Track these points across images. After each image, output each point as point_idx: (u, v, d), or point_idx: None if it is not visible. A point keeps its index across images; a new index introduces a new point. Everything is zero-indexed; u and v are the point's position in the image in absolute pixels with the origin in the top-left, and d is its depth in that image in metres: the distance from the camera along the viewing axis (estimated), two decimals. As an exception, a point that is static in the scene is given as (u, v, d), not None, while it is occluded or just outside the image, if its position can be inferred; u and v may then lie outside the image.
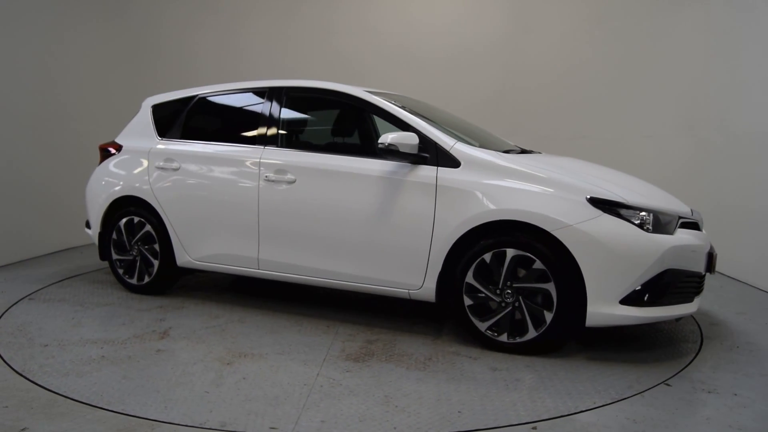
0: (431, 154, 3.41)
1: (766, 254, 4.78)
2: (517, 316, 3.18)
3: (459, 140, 3.47)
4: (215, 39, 7.16)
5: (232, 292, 4.52)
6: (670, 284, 3.08)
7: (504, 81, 6.65)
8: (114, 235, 4.37)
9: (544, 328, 3.12)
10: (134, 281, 4.34)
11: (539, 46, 6.54)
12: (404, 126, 3.52)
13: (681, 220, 3.27)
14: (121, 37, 6.84)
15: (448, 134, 3.51)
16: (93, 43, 6.40)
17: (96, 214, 4.46)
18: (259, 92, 4.06)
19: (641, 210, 3.09)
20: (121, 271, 4.39)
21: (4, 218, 5.20)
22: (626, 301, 3.01)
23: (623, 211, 3.07)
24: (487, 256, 3.20)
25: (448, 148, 3.39)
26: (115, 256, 4.40)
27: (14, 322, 3.69)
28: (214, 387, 2.75)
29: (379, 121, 3.97)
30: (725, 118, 5.35)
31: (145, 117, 4.49)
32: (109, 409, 2.51)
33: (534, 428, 2.40)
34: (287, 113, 3.95)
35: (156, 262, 4.24)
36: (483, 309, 3.27)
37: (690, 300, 3.24)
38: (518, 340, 3.19)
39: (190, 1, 7.19)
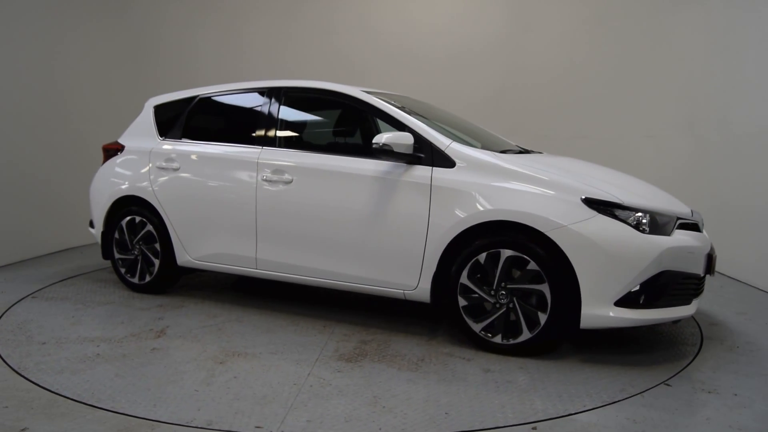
0: (426, 154, 3.39)
1: (767, 254, 4.74)
2: (512, 317, 3.16)
3: (459, 141, 3.46)
4: (216, 38, 7.18)
5: (233, 291, 4.54)
6: (666, 286, 3.03)
7: (504, 81, 6.63)
8: (116, 235, 4.41)
9: (538, 330, 3.10)
10: (136, 280, 4.38)
11: (539, 46, 6.52)
12: (400, 126, 3.51)
13: (679, 221, 3.22)
14: (122, 36, 6.88)
15: (443, 134, 3.50)
16: (94, 43, 6.45)
17: (99, 214, 4.51)
18: (259, 93, 4.08)
19: (637, 211, 3.05)
20: (123, 270, 4.43)
21: (5, 218, 5.24)
22: (621, 303, 2.97)
23: (619, 212, 3.03)
24: (482, 257, 3.18)
25: (443, 148, 3.38)
26: (117, 256, 4.44)
27: (15, 320, 3.74)
28: (204, 386, 2.77)
29: (381, 122, 3.97)
30: (725, 118, 5.31)
31: (147, 117, 4.53)
32: (99, 406, 2.54)
33: (534, 429, 2.39)
34: (285, 113, 3.96)
35: (157, 262, 4.27)
36: (477, 310, 3.25)
37: (688, 302, 3.19)
38: (512, 341, 3.16)
39: (190, 1, 7.22)
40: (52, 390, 2.70)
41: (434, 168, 3.35)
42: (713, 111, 5.47)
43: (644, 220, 3.03)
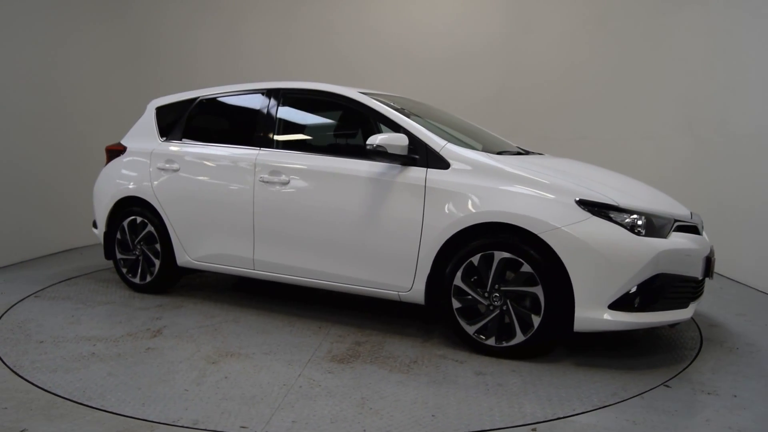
0: (421, 155, 3.38)
1: (766, 256, 4.70)
2: (506, 319, 3.14)
3: (459, 142, 3.43)
4: (215, 39, 7.19)
5: (233, 292, 4.56)
6: (662, 289, 2.99)
7: (504, 82, 6.60)
8: (118, 235, 4.46)
9: (531, 333, 3.07)
10: (137, 280, 4.42)
11: (539, 47, 6.49)
12: (395, 127, 3.51)
13: (677, 224, 3.17)
14: (122, 37, 6.88)
15: (440, 135, 3.48)
16: (94, 44, 6.46)
17: (101, 214, 4.56)
18: (257, 94, 4.10)
19: (633, 213, 3.01)
20: (124, 270, 4.47)
21: (6, 218, 5.27)
22: (616, 306, 2.93)
23: (613, 214, 2.99)
24: (475, 259, 3.16)
25: (438, 149, 3.36)
26: (119, 256, 4.49)
27: (16, 318, 3.79)
28: (194, 385, 2.78)
29: (378, 123, 3.96)
30: (725, 119, 5.28)
31: (149, 119, 4.57)
32: (89, 404, 2.56)
33: (534, 429, 2.38)
34: (283, 115, 3.97)
35: (157, 262, 4.31)
36: (471, 312, 3.23)
37: (685, 306, 3.14)
38: (505, 344, 3.14)
39: (190, 2, 7.24)
40: (44, 388, 2.73)
41: (429, 169, 3.34)
42: (713, 112, 5.43)
43: (640, 222, 2.99)
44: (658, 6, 5.98)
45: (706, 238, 3.47)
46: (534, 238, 3.03)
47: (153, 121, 4.53)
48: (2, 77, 5.28)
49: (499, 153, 3.64)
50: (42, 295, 4.36)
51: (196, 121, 4.38)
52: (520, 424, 2.44)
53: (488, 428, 2.40)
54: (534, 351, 3.14)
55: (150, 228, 4.30)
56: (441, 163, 3.33)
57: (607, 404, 2.62)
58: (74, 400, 2.61)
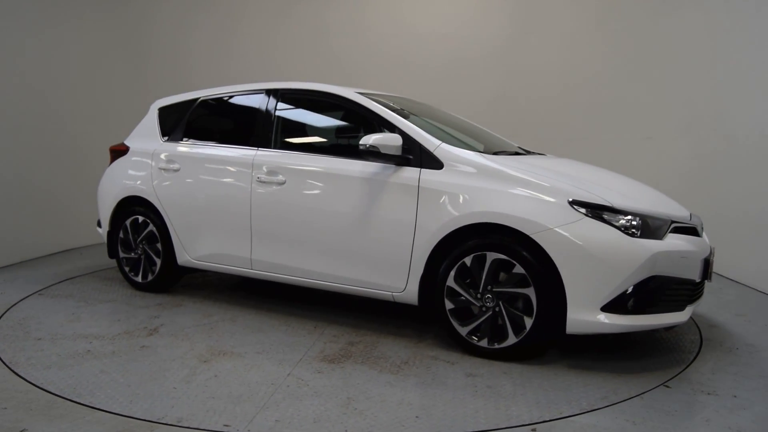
0: (415, 155, 3.37)
1: (766, 256, 4.65)
2: (499, 321, 3.11)
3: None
4: (209, 39, 7.19)
5: (234, 291, 4.58)
6: (657, 292, 2.94)
7: (504, 83, 6.56)
8: (121, 234, 4.51)
9: (524, 334, 3.04)
10: (139, 279, 4.47)
11: (539, 48, 6.44)
12: (390, 127, 3.50)
13: (674, 225, 3.11)
14: (116, 38, 6.84)
15: (435, 135, 3.46)
16: (89, 47, 6.43)
17: (105, 214, 4.61)
18: (256, 94, 4.12)
19: (627, 214, 2.97)
20: (127, 268, 4.52)
21: (5, 218, 5.28)
22: (609, 308, 2.89)
23: (607, 215, 2.95)
24: (468, 260, 3.14)
25: (432, 149, 3.35)
26: (122, 255, 4.54)
27: (18, 315, 3.85)
28: (183, 384, 2.80)
29: (376, 123, 3.95)
30: (725, 120, 5.23)
31: (151, 119, 4.62)
32: (79, 401, 2.59)
33: (533, 430, 2.37)
34: (280, 115, 3.99)
35: (159, 261, 4.35)
36: (464, 313, 3.20)
37: (681, 308, 3.08)
38: (497, 345, 3.11)
39: (184, 2, 7.23)
40: (37, 384, 2.77)
41: (422, 169, 3.32)
42: (713, 113, 5.39)
43: (634, 223, 2.94)
44: (657, 7, 5.94)
45: (706, 239, 3.40)
46: (526, 238, 3.00)
47: (155, 121, 4.58)
48: (2, 77, 5.32)
49: (495, 153, 3.61)
50: (46, 293, 4.42)
51: (196, 121, 4.41)
52: (503, 426, 2.41)
53: (489, 428, 2.39)
54: (527, 353, 3.11)
55: (151, 227, 4.34)
56: (435, 163, 3.31)
57: (596, 408, 2.58)
58: (65, 396, 2.64)
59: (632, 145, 6.04)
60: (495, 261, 3.07)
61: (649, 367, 3.06)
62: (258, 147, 3.93)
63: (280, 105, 3.99)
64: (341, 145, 3.99)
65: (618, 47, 6.16)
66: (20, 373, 2.89)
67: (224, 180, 3.98)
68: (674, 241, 3.03)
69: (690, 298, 3.15)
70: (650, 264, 2.87)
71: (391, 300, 3.45)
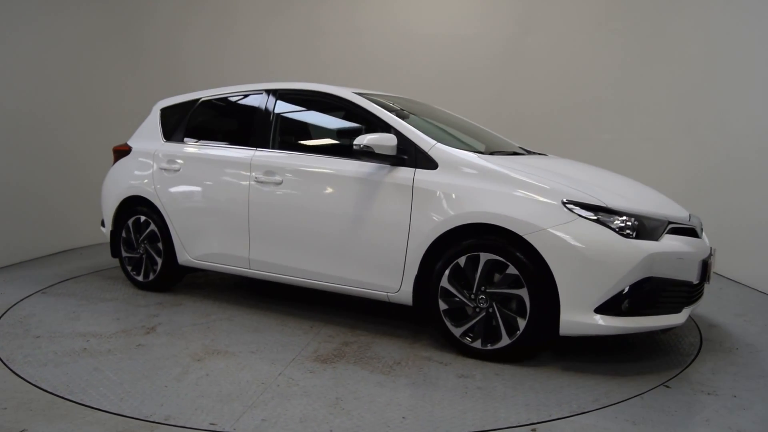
0: (410, 155, 3.36)
1: (766, 256, 4.61)
2: (493, 322, 3.08)
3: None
4: (203, 39, 7.19)
5: (234, 290, 4.60)
6: (652, 293, 2.90)
7: (504, 83, 6.53)
8: (123, 234, 4.55)
9: (517, 336, 3.01)
10: (140, 278, 4.50)
11: (539, 48, 6.41)
12: (385, 126, 3.49)
13: (671, 226, 3.07)
14: (110, 40, 6.79)
15: (434, 135, 3.45)
16: (83, 47, 6.39)
17: (108, 213, 4.66)
18: (255, 94, 4.14)
19: (623, 214, 2.93)
20: (129, 268, 4.57)
21: (5, 219, 5.30)
22: (603, 309, 2.85)
23: (601, 216, 2.92)
24: (462, 260, 3.12)
25: (427, 149, 3.33)
26: (124, 254, 4.58)
27: (19, 314, 3.90)
28: (175, 382, 2.81)
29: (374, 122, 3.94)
30: (726, 120, 5.18)
31: (153, 120, 4.66)
32: (70, 399, 2.61)
33: (533, 430, 2.36)
34: (278, 115, 4.00)
35: (160, 260, 4.38)
36: (458, 314, 3.18)
37: (677, 310, 3.03)
38: (491, 347, 3.09)
39: (177, 2, 7.24)
40: (31, 381, 2.80)
41: (417, 169, 3.31)
42: (713, 112, 5.34)
43: (629, 224, 2.91)
44: (658, 8, 5.90)
45: (706, 240, 3.35)
46: (519, 239, 2.97)
47: (157, 121, 4.61)
48: (2, 78, 5.34)
49: (492, 153, 3.59)
50: (49, 291, 4.47)
51: (197, 121, 4.44)
52: (493, 428, 2.39)
53: (488, 428, 2.37)
54: (521, 354, 3.09)
55: (153, 227, 4.38)
56: (430, 163, 3.30)
57: (586, 410, 2.55)
58: (56, 393, 2.67)
59: (633, 145, 6.00)
60: (488, 262, 3.05)
61: (649, 368, 3.04)
62: (256, 147, 3.94)
63: (278, 105, 4.00)
64: (338, 145, 4.00)
65: (618, 47, 6.13)
66: (16, 371, 2.93)
67: (223, 180, 4.00)
68: (670, 243, 2.99)
69: (687, 300, 3.10)
70: (645, 265, 2.83)
71: (386, 300, 3.44)
